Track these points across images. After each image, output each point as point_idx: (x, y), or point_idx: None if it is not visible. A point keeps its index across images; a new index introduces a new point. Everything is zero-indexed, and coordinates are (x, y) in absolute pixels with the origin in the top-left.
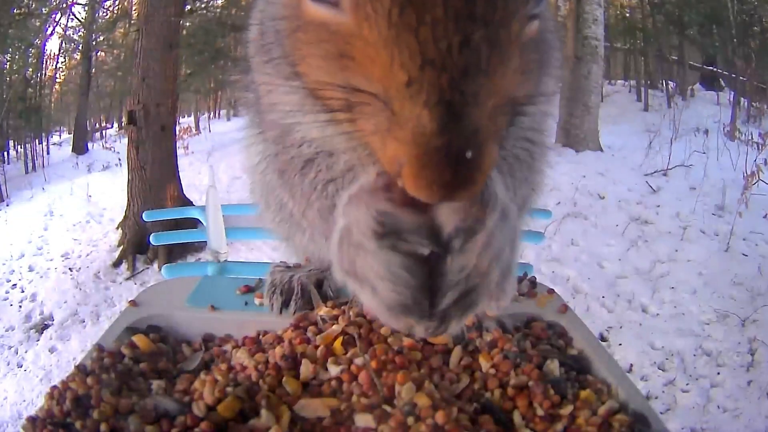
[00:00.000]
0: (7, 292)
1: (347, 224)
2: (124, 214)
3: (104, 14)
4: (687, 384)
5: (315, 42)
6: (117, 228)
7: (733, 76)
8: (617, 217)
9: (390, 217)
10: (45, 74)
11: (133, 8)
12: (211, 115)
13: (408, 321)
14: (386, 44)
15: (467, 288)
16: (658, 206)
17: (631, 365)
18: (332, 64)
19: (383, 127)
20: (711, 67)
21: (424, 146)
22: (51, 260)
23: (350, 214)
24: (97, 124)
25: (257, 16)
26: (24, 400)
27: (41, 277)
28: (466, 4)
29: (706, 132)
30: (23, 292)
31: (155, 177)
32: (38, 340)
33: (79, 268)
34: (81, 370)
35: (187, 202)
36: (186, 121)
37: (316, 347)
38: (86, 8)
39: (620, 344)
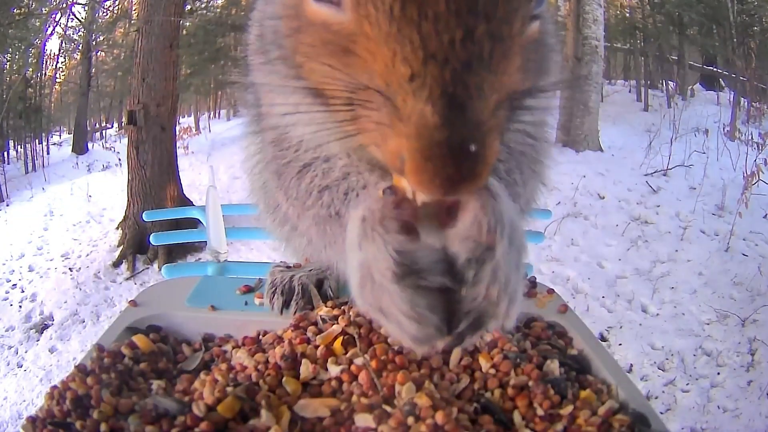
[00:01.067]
0: (7, 292)
1: (366, 261)
2: (124, 214)
3: (104, 14)
4: (687, 384)
5: (317, 42)
6: (117, 228)
7: (733, 76)
8: (617, 217)
9: (407, 256)
10: (45, 74)
11: (133, 8)
12: (211, 115)
13: (431, 346)
14: (388, 40)
15: (479, 313)
16: (658, 206)
17: (631, 365)
18: (334, 62)
19: (386, 123)
20: (711, 67)
21: (427, 139)
22: (51, 260)
23: (368, 250)
24: (97, 124)
25: (256, 16)
26: (24, 400)
27: (41, 277)
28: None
29: (706, 132)
30: (23, 292)
31: (155, 177)
32: (38, 340)
33: (79, 268)
34: (81, 370)
35: (187, 202)
36: (186, 121)
37: (316, 347)
38: (86, 8)
39: (620, 344)
